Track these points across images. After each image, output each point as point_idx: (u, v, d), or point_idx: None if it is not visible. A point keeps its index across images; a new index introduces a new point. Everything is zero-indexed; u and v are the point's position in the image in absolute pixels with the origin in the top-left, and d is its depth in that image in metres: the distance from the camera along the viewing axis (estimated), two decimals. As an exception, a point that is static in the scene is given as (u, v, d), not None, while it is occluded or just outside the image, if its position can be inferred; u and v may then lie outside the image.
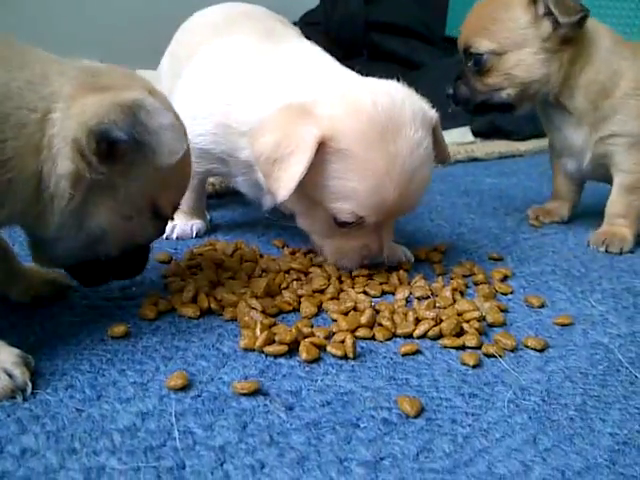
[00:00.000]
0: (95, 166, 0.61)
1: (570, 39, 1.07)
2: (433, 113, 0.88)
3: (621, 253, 1.09)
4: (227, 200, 1.29)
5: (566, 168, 1.21)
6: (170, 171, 0.66)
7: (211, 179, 1.33)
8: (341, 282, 0.87)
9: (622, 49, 1.11)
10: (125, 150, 0.61)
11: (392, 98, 0.83)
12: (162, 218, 0.72)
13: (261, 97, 0.88)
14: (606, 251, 1.10)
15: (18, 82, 0.58)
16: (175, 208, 0.75)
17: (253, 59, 0.93)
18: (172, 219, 0.77)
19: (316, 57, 0.94)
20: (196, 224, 1.06)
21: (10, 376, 0.59)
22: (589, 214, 1.32)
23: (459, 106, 1.18)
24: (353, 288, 0.85)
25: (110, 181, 0.63)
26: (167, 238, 1.03)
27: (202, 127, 0.93)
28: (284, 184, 0.79)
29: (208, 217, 1.15)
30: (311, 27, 2.31)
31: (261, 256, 0.94)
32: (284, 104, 0.83)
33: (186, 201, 1.03)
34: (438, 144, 0.89)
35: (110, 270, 0.72)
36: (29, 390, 0.59)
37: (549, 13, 1.05)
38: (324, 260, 0.91)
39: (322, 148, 0.78)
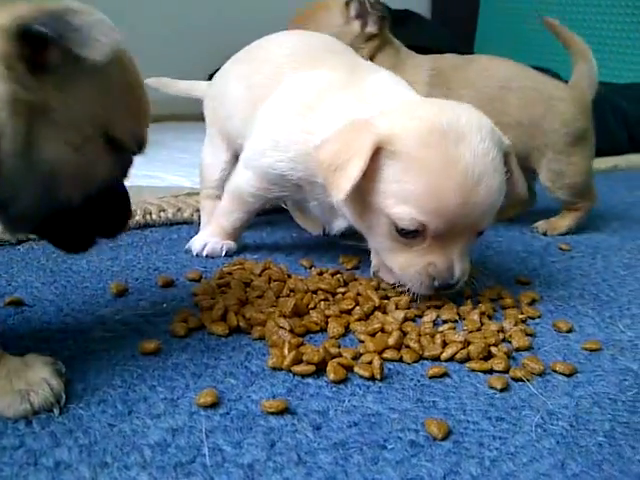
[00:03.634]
0: (24, 77, 0.55)
1: (372, 37, 1.35)
2: (507, 141, 0.87)
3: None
4: (255, 220, 1.31)
5: None
6: (115, 90, 0.62)
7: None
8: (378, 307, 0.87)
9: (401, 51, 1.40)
10: (54, 58, 0.56)
11: (457, 112, 0.83)
12: (121, 150, 0.65)
13: (339, 125, 0.89)
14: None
15: None
16: (139, 141, 0.68)
17: (338, 92, 0.95)
18: (134, 152, 0.69)
19: (398, 89, 0.95)
20: (227, 244, 1.07)
21: (50, 386, 0.60)
22: (617, 236, 1.31)
23: None
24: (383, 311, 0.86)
25: (48, 103, 0.57)
26: (197, 255, 1.05)
27: (282, 154, 0.95)
28: (341, 186, 0.80)
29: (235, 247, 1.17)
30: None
31: (289, 276, 0.95)
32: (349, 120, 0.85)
33: (233, 222, 1.07)
34: (511, 176, 0.87)
35: (87, 226, 0.67)
36: (64, 400, 0.61)
37: (359, 16, 1.34)
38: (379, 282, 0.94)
39: (380, 152, 0.80)
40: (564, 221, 1.34)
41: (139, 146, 0.68)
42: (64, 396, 0.61)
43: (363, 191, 0.82)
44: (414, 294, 0.89)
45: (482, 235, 0.88)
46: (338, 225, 0.98)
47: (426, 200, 0.79)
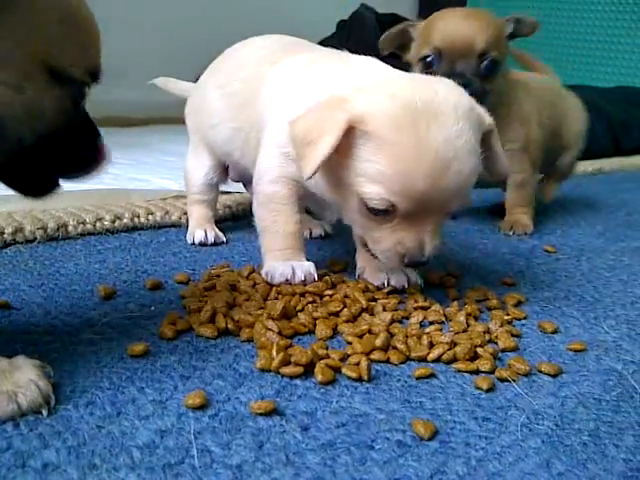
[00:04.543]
0: None
1: None
2: (488, 118, 0.87)
3: (525, 234, 1.35)
4: (243, 222, 1.31)
5: None
6: (52, 22, 0.59)
7: (228, 202, 1.35)
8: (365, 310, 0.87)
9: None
10: None
11: (434, 89, 0.83)
12: (69, 82, 0.62)
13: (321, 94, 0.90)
14: (513, 233, 1.35)
15: None
16: (91, 71, 0.64)
17: (323, 63, 0.98)
18: (87, 83, 0.65)
19: (383, 66, 0.95)
20: (306, 265, 0.95)
21: (38, 387, 0.60)
22: (602, 238, 1.33)
23: None
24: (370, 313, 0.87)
25: None
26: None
27: (279, 127, 0.94)
28: (311, 162, 0.81)
29: (224, 239, 1.17)
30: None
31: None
32: (327, 96, 0.86)
33: (284, 241, 0.96)
34: (493, 154, 0.88)
35: (51, 167, 0.64)
36: (53, 402, 0.61)
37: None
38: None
39: (353, 131, 0.80)
40: (554, 186, 1.55)
41: (92, 75, 0.64)
42: (53, 397, 0.61)
43: (336, 167, 0.83)
44: (400, 291, 0.91)
45: (453, 216, 0.90)
46: (328, 216, 0.98)
47: (395, 181, 0.80)
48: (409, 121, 0.79)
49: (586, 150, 1.49)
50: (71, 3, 0.62)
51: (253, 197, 1.01)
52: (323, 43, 2.71)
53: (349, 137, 0.80)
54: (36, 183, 0.66)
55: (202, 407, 0.63)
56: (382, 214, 0.83)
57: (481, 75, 1.25)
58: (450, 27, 1.26)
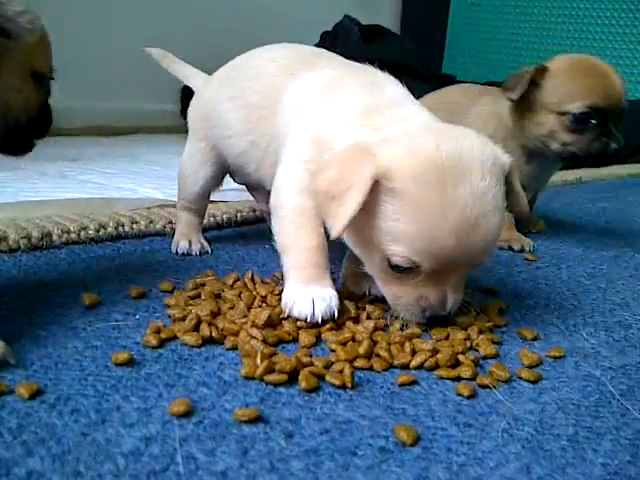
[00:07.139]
0: None
1: None
2: (507, 159, 0.85)
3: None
4: (228, 231, 1.32)
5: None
6: (37, 42, 0.80)
7: (213, 211, 1.35)
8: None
9: None
10: None
11: (459, 142, 0.80)
12: (43, 79, 0.85)
13: (346, 127, 0.89)
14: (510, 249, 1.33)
15: None
16: (52, 68, 0.87)
17: (350, 87, 0.95)
18: (52, 78, 0.88)
19: (405, 99, 0.94)
20: (332, 294, 0.87)
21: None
22: (582, 247, 1.34)
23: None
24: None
25: None
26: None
27: (302, 143, 0.93)
28: (338, 220, 0.79)
29: (209, 249, 1.18)
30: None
31: (263, 281, 0.97)
32: (350, 143, 0.84)
33: (307, 258, 0.90)
34: (512, 193, 0.86)
35: (28, 134, 0.86)
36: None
37: None
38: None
39: (378, 187, 0.78)
40: None
41: (51, 70, 0.88)
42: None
43: (358, 222, 0.80)
44: (382, 300, 0.91)
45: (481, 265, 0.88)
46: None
47: (421, 242, 0.78)
48: (435, 179, 0.76)
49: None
50: (42, 26, 0.81)
51: (272, 213, 0.96)
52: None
53: (373, 191, 0.78)
54: (21, 146, 0.88)
55: (187, 415, 0.63)
56: (406, 271, 0.82)
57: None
58: (609, 85, 1.27)
